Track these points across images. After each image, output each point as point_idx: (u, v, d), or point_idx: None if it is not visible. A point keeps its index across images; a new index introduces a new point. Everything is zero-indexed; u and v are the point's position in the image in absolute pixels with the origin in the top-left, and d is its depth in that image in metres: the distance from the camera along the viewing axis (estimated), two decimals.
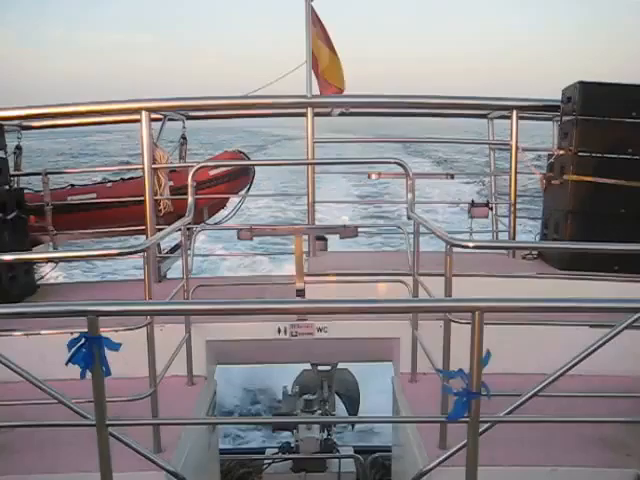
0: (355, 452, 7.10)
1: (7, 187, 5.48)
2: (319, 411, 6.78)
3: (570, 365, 2.62)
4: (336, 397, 7.42)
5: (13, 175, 6.09)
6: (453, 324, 3.21)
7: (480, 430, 2.55)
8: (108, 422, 2.57)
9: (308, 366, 7.21)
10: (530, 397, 2.65)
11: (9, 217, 5.25)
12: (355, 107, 6.83)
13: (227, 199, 7.23)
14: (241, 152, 7.51)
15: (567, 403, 3.35)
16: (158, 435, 3.39)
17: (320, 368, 7.09)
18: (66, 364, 2.40)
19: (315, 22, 6.04)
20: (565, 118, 5.57)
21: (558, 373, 2.63)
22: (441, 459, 2.90)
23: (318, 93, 6.05)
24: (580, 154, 5.32)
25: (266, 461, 7.10)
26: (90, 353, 2.42)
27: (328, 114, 6.51)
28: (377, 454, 7.15)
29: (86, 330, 2.43)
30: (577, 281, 4.96)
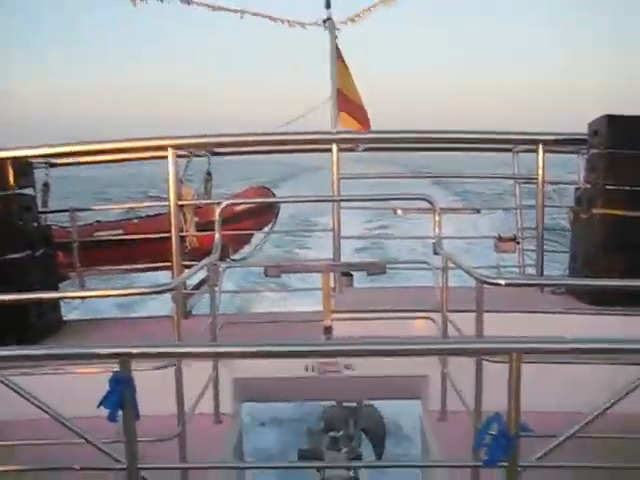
0: None
1: (35, 224, 5.55)
2: (345, 448, 6.68)
3: (609, 405, 2.55)
4: (362, 434, 7.32)
5: (41, 212, 6.17)
6: (485, 362, 3.16)
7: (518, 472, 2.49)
8: (140, 466, 2.54)
9: (334, 402, 7.14)
10: (568, 438, 2.58)
11: (37, 254, 5.29)
12: (379, 143, 6.86)
13: (252, 235, 7.26)
14: (266, 188, 7.56)
15: (604, 444, 3.26)
16: (186, 476, 3.36)
17: (346, 404, 7.00)
18: (98, 407, 2.38)
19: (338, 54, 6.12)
20: (592, 151, 5.54)
21: (597, 413, 2.56)
22: None
23: (342, 128, 6.09)
24: (608, 187, 5.28)
25: None
26: (121, 395, 2.40)
27: (353, 150, 6.53)
28: None
29: (114, 369, 2.42)
30: (607, 317, 4.88)
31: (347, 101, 6.32)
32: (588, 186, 5.53)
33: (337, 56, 6.07)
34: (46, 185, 6.71)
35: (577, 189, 5.84)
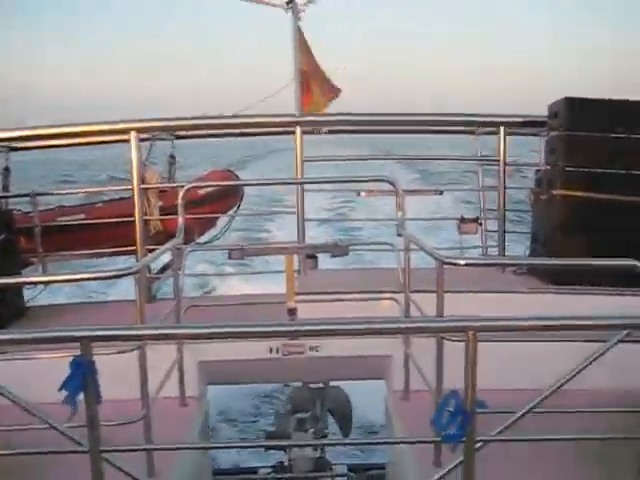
0: (349, 470, 7.07)
1: None
2: (312, 429, 6.74)
3: (564, 381, 2.62)
4: (329, 415, 7.40)
5: (1, 197, 6.09)
6: (445, 341, 3.21)
7: (476, 447, 2.55)
8: (102, 448, 2.55)
9: (300, 383, 7.19)
10: (524, 414, 2.65)
11: None
12: (343, 125, 6.87)
13: (217, 218, 7.24)
14: (230, 171, 7.53)
15: (559, 419, 3.35)
16: (151, 459, 3.37)
17: (312, 386, 7.06)
18: (59, 390, 2.38)
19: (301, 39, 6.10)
20: (552, 133, 5.62)
21: (552, 389, 2.63)
22: (436, 478, 2.89)
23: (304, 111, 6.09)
24: (567, 169, 5.36)
25: None
26: (82, 379, 2.40)
27: (317, 132, 6.54)
28: (371, 471, 7.12)
29: (77, 353, 2.41)
30: (567, 296, 4.97)
31: (311, 75, 6.31)
32: (548, 168, 5.61)
33: (300, 38, 6.06)
34: (7, 169, 6.62)
35: (537, 171, 5.93)
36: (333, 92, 6.71)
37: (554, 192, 5.42)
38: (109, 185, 9.34)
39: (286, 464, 6.80)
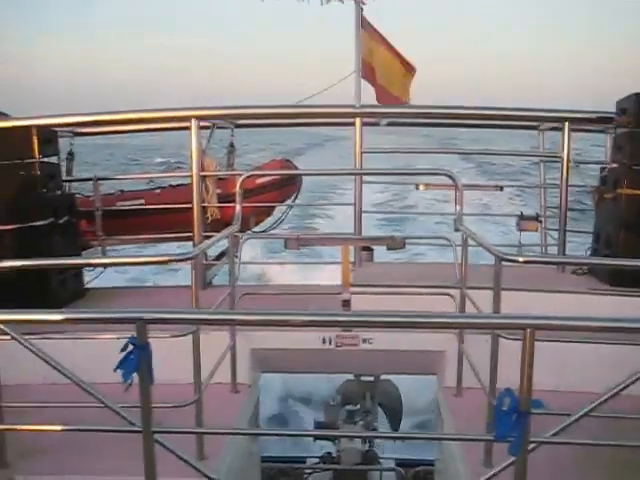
0: (397, 465, 7.03)
1: (59, 192, 5.60)
2: (361, 422, 6.73)
3: (624, 385, 2.54)
4: (378, 408, 7.37)
5: (65, 180, 6.22)
6: (501, 339, 3.15)
7: (529, 448, 2.49)
8: (154, 429, 2.58)
9: (351, 376, 7.18)
10: (581, 417, 2.58)
11: (60, 222, 5.35)
12: (403, 118, 6.81)
13: (274, 207, 7.26)
14: (288, 161, 7.54)
15: (616, 424, 3.25)
16: (201, 442, 3.40)
17: (363, 379, 7.04)
18: (115, 370, 2.42)
19: (368, 28, 6.05)
20: (619, 130, 5.46)
21: (611, 393, 2.55)
22: (487, 477, 2.84)
23: (369, 102, 6.04)
24: (634, 167, 5.20)
25: (307, 471, 7.08)
26: (137, 360, 2.44)
27: (376, 124, 6.49)
28: (419, 468, 7.07)
29: (133, 335, 2.45)
30: (628, 298, 4.83)
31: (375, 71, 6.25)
32: (614, 166, 5.45)
33: (364, 27, 5.99)
34: (71, 154, 6.78)
35: (602, 169, 5.76)
36: (410, 70, 6.56)
37: (619, 191, 5.26)
38: (168, 172, 9.43)
39: (334, 455, 6.81)
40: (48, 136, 5.57)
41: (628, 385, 2.54)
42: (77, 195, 6.31)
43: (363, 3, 5.94)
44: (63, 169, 6.26)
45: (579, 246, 6.64)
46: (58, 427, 2.97)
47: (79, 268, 5.54)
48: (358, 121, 5.66)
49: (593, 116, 5.93)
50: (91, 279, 6.10)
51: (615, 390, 2.55)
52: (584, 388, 3.19)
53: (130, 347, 2.44)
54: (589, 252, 5.93)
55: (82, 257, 5.82)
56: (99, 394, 2.67)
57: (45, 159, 5.44)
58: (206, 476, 3.00)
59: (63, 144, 6.33)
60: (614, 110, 5.53)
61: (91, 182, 6.36)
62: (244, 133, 7.28)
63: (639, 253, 4.91)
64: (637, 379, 2.53)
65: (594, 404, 2.57)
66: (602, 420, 2.77)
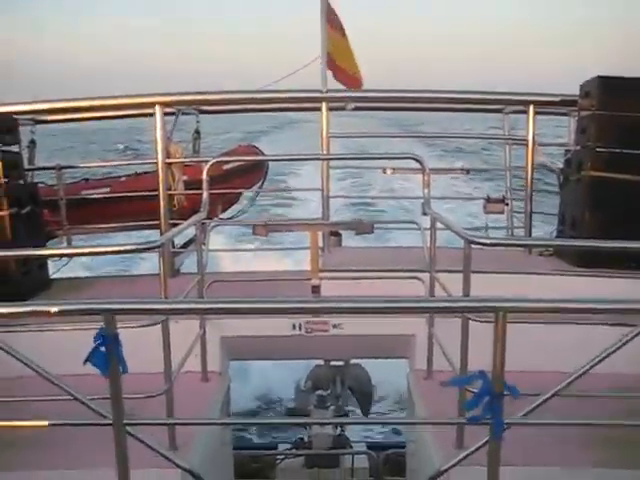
0: (368, 448, 7.08)
1: (21, 182, 5.50)
2: (332, 407, 6.76)
3: (591, 364, 2.58)
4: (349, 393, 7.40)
5: (27, 169, 6.10)
6: (471, 322, 3.17)
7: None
8: (125, 421, 2.56)
9: (321, 361, 7.20)
10: (551, 397, 2.61)
11: (23, 211, 5.25)
12: (369, 102, 6.80)
13: (241, 194, 7.22)
14: (255, 147, 7.50)
15: (584, 402, 3.30)
16: (173, 433, 3.38)
17: (333, 363, 7.06)
18: (84, 363, 2.38)
19: (329, 11, 6.00)
20: (583, 113, 5.51)
21: (579, 372, 2.59)
22: (460, 458, 2.86)
23: (333, 87, 6.01)
24: (598, 150, 5.26)
25: (279, 457, 7.10)
26: (107, 351, 2.40)
27: (342, 108, 6.47)
28: (391, 450, 7.13)
29: (101, 326, 2.41)
30: (594, 278, 4.90)
31: (335, 66, 6.21)
32: (578, 148, 5.51)
33: (328, 15, 5.95)
34: (32, 142, 6.64)
35: (567, 151, 5.82)
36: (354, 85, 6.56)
37: (584, 173, 5.32)
38: (133, 159, 9.32)
39: (306, 440, 6.84)
40: (8, 124, 5.45)
41: (596, 364, 2.57)
42: (40, 184, 6.20)
43: None
44: (25, 158, 6.14)
45: (545, 226, 6.71)
46: (26, 422, 2.93)
47: (43, 259, 5.45)
48: (324, 106, 5.63)
49: (557, 99, 5.99)
50: (56, 270, 6.01)
51: (584, 369, 2.58)
52: (553, 368, 3.22)
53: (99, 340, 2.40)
54: (555, 233, 6.00)
55: (46, 248, 5.72)
56: (68, 387, 2.63)
57: (5, 148, 5.33)
58: (179, 467, 2.99)
59: (24, 133, 6.20)
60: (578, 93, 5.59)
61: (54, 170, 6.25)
62: (205, 117, 7.19)
63: (603, 234, 4.98)
64: (604, 358, 2.57)
65: (564, 384, 2.60)
66: (572, 400, 2.80)
